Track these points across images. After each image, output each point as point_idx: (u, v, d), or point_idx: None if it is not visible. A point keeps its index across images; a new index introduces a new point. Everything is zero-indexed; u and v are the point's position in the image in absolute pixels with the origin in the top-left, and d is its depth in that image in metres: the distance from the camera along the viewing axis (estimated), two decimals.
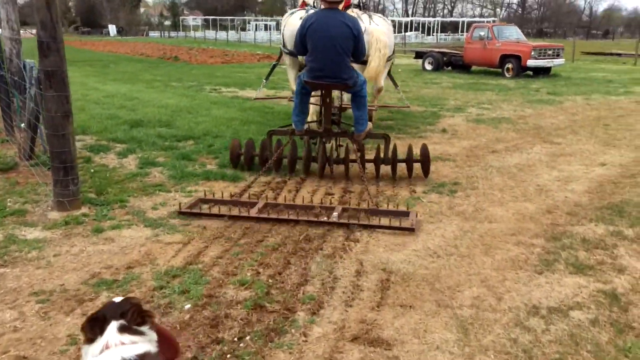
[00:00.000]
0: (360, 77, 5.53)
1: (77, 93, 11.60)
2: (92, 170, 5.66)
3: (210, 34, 63.63)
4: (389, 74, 8.41)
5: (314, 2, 7.81)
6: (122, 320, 1.48)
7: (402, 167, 5.57)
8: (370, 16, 7.34)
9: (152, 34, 76.65)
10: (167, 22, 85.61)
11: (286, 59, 7.77)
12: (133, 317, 1.51)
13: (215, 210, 4.45)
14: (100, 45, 40.47)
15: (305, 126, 5.84)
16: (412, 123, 8.93)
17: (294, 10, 8.12)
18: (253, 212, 4.40)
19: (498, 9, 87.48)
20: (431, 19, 73.15)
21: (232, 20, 74.87)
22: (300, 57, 6.86)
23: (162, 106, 9.81)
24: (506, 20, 70.69)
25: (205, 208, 4.51)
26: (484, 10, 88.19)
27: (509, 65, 17.95)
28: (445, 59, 20.58)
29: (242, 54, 32.65)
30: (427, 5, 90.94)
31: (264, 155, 5.66)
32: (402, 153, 5.64)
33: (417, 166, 5.53)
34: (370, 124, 6.31)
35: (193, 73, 18.42)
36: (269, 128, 6.63)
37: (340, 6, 5.69)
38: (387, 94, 11.73)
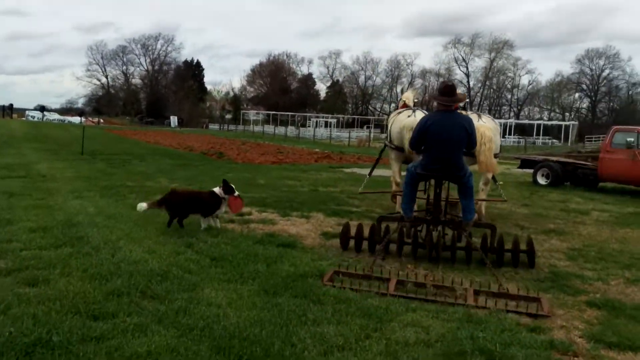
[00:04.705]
0: (468, 169, 6.00)
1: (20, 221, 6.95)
2: None
3: (270, 128, 61.55)
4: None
5: (413, 105, 9.18)
6: None
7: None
8: (479, 115, 8.15)
9: (212, 126, 76.23)
10: (229, 116, 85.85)
11: (391, 153, 8.56)
12: None
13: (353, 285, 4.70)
14: (150, 136, 37.96)
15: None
16: None
17: (400, 110, 8.88)
18: (391, 289, 4.61)
19: (567, 113, 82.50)
20: (502, 121, 68.53)
21: (293, 116, 73.34)
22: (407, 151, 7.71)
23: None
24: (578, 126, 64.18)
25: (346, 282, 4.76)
26: (552, 114, 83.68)
27: None
28: (566, 170, 15.15)
29: (299, 151, 28.57)
30: (493, 108, 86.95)
31: (373, 240, 6.04)
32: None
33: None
34: (476, 214, 6.73)
35: (228, 176, 13.83)
36: None
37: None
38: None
